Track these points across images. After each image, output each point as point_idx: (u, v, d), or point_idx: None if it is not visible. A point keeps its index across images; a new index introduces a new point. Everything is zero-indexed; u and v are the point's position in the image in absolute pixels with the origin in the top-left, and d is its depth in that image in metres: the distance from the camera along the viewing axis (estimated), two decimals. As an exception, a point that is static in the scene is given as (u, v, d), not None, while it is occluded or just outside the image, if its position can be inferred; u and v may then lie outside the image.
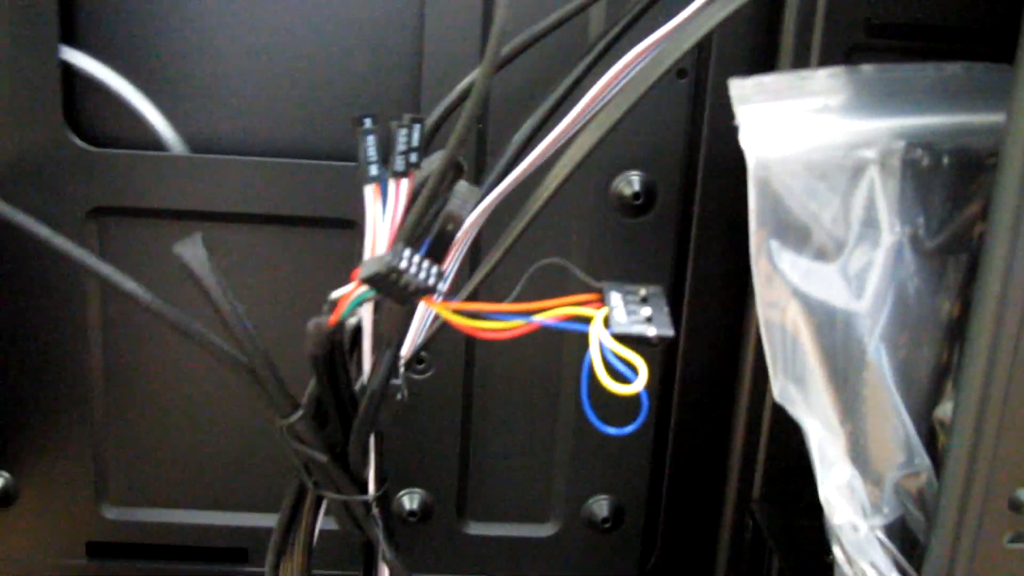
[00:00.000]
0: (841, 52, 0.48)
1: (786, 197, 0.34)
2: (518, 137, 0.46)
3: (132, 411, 0.55)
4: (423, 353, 0.54)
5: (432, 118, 0.45)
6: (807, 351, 0.36)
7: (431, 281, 0.35)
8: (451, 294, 0.39)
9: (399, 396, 0.42)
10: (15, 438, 0.54)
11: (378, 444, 0.45)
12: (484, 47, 0.39)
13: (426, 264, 0.35)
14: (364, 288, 0.36)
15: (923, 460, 0.37)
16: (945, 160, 0.35)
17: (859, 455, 0.36)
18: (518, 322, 0.35)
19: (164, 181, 0.51)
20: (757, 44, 0.50)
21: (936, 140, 0.35)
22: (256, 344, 0.42)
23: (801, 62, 0.49)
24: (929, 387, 0.37)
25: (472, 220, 0.44)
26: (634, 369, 0.33)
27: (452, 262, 0.44)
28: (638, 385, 0.32)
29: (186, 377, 0.55)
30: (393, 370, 0.41)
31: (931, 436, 0.36)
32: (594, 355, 0.33)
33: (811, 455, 0.37)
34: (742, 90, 0.34)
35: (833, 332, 0.35)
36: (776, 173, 0.34)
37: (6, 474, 0.55)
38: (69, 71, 0.50)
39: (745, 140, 0.34)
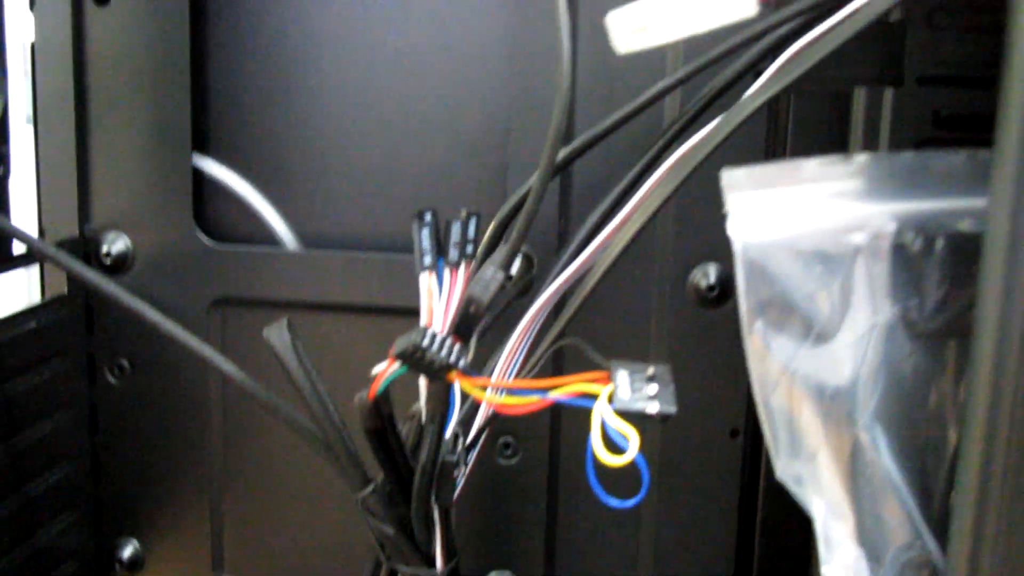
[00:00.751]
0: (910, 146, 0.51)
1: (775, 280, 0.37)
2: (583, 229, 0.51)
3: (248, 489, 0.62)
4: (510, 439, 0.59)
5: (502, 213, 0.50)
6: (806, 430, 0.38)
7: (453, 359, 0.40)
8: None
9: (456, 472, 0.47)
10: (144, 508, 0.62)
11: (444, 519, 0.49)
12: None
13: (449, 342, 0.41)
14: (397, 364, 0.41)
15: (930, 541, 0.38)
16: (939, 244, 0.37)
17: (864, 535, 0.38)
18: (534, 398, 0.40)
19: (278, 274, 0.59)
20: (830, 141, 0.53)
21: (929, 224, 0.37)
22: (332, 420, 0.48)
23: (870, 155, 0.52)
24: (936, 468, 0.39)
25: (538, 306, 0.49)
26: (628, 440, 0.36)
27: (523, 342, 0.49)
28: (630, 455, 0.36)
29: (296, 460, 0.62)
30: (444, 446, 0.46)
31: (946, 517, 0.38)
32: (594, 428, 0.37)
33: (816, 535, 0.39)
34: (732, 179, 0.38)
35: (829, 412, 0.38)
36: (763, 257, 0.37)
37: (135, 542, 0.63)
38: (199, 175, 0.59)
39: (732, 226, 0.38)
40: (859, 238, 0.36)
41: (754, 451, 0.57)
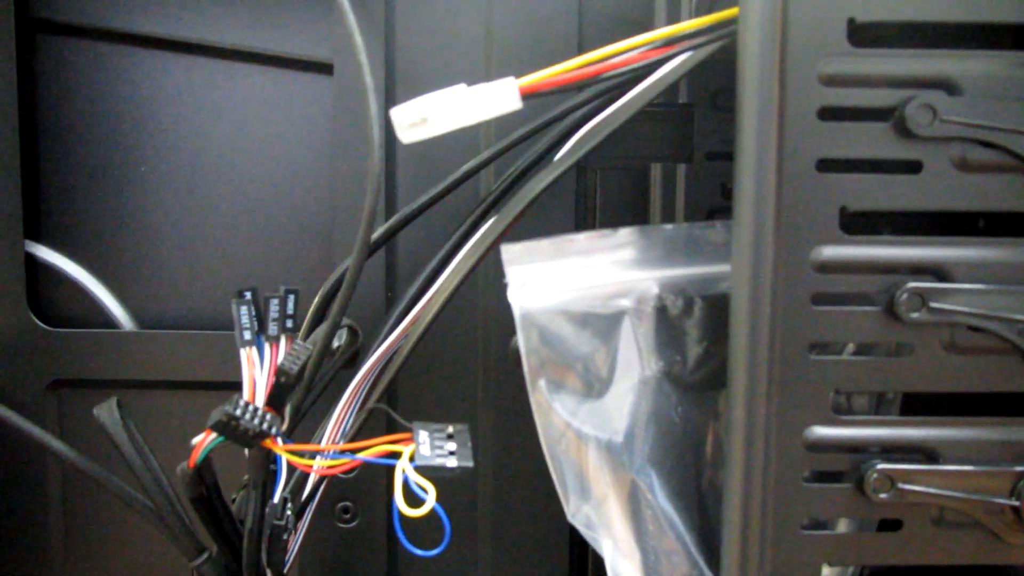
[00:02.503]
0: (703, 215, 0.57)
1: (552, 342, 0.43)
2: (403, 300, 0.56)
3: (90, 567, 0.65)
4: (348, 503, 0.63)
5: (324, 288, 0.55)
6: (591, 477, 0.43)
7: (266, 427, 0.44)
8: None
9: (286, 536, 0.51)
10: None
11: (279, 584, 0.52)
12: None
13: (262, 412, 0.45)
14: (214, 435, 0.45)
15: (707, 572, 0.44)
16: (697, 305, 0.43)
17: (649, 570, 0.44)
18: (345, 459, 0.44)
19: (113, 354, 0.62)
20: (634, 212, 0.60)
21: (688, 287, 0.43)
22: (165, 493, 0.51)
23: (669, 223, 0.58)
24: (716, 507, 0.45)
25: (362, 374, 0.54)
26: (427, 492, 0.41)
27: (349, 409, 0.53)
28: (427, 506, 0.41)
29: (139, 537, 0.64)
30: (272, 511, 0.50)
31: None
32: (396, 484, 0.42)
33: (607, 572, 0.44)
34: (511, 253, 0.43)
35: (609, 459, 0.43)
36: (540, 322, 0.42)
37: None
38: (32, 261, 0.62)
39: (512, 295, 0.43)
40: (625, 302, 0.42)
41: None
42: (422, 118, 0.40)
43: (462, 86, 0.41)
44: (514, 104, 0.41)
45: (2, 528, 0.62)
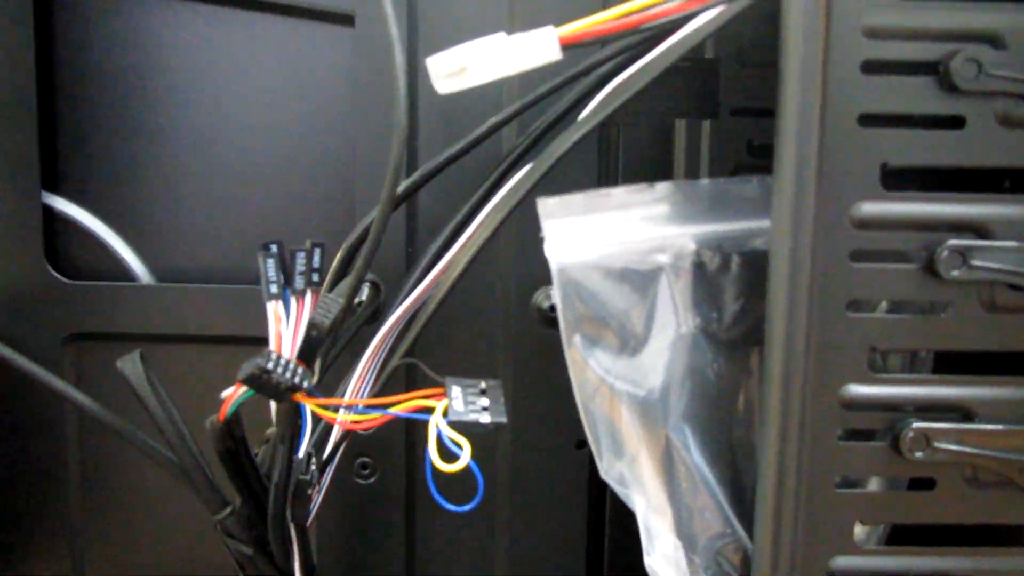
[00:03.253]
0: (727, 173, 0.57)
1: (588, 298, 0.42)
2: (426, 255, 0.55)
3: (107, 523, 0.64)
4: (367, 459, 0.63)
5: (348, 243, 0.54)
6: (625, 433, 0.43)
7: (297, 380, 0.44)
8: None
9: (310, 491, 0.51)
10: (2, 543, 0.64)
11: (300, 537, 0.52)
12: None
13: (293, 365, 0.44)
14: (244, 388, 0.45)
15: (739, 529, 0.44)
16: (734, 261, 0.43)
17: (682, 527, 0.44)
18: (375, 415, 0.44)
19: (132, 308, 0.62)
20: (656, 168, 0.59)
21: (725, 244, 0.43)
22: (189, 447, 0.51)
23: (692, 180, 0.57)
24: (747, 464, 0.45)
25: (386, 330, 0.54)
26: (461, 448, 0.41)
27: (373, 364, 0.53)
28: (463, 462, 0.41)
29: (155, 491, 0.64)
30: (297, 465, 0.50)
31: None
32: (430, 439, 0.42)
33: (640, 528, 0.44)
34: (547, 207, 0.43)
35: (643, 416, 0.43)
36: (577, 277, 0.42)
37: (-6, 578, 0.65)
38: (49, 213, 0.61)
39: (548, 250, 0.42)
40: (663, 258, 0.41)
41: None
42: (461, 67, 0.39)
43: (501, 35, 0.41)
44: (554, 54, 0.40)
45: (20, 482, 0.62)
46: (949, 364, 0.42)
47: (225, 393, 0.45)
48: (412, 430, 0.62)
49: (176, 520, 0.63)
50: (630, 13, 0.40)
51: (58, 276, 0.60)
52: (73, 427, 0.62)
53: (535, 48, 0.40)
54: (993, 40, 0.38)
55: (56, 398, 0.60)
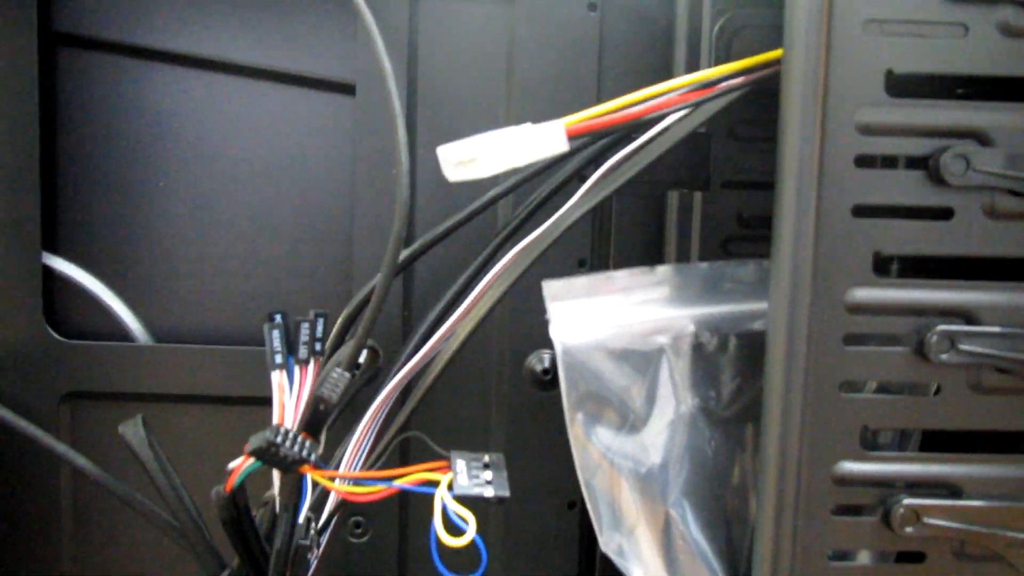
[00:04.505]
0: (718, 242, 0.59)
1: (591, 378, 0.44)
2: (425, 322, 0.57)
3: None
4: (360, 518, 0.64)
5: (348, 310, 0.56)
6: (625, 508, 0.45)
7: (304, 453, 0.45)
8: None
9: (309, 555, 0.52)
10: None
11: (300, 601, 0.53)
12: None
13: (300, 439, 0.46)
14: (252, 460, 0.46)
15: None
16: (731, 343, 0.45)
17: (679, 600, 0.45)
18: (380, 487, 0.45)
19: (128, 367, 0.63)
20: (648, 237, 0.61)
21: (723, 325, 0.45)
22: (188, 511, 0.52)
23: (683, 252, 0.59)
24: (741, 535, 0.46)
25: (383, 397, 0.55)
26: (467, 523, 0.42)
27: (370, 431, 0.54)
28: (469, 536, 0.42)
29: (146, 555, 0.65)
30: (297, 531, 0.51)
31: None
32: (436, 513, 0.43)
33: None
34: (552, 290, 0.44)
35: (643, 491, 0.44)
36: (581, 358, 0.44)
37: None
38: (48, 273, 0.62)
39: (553, 331, 0.44)
40: (663, 339, 0.43)
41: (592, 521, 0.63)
42: (471, 158, 0.41)
43: (511, 128, 0.43)
44: (561, 146, 0.42)
45: (14, 540, 0.63)
46: (938, 442, 0.43)
47: (232, 464, 0.46)
48: (406, 491, 0.63)
49: (168, 577, 0.64)
50: (633, 104, 0.42)
51: (56, 336, 0.61)
52: (68, 484, 0.63)
53: (543, 140, 0.42)
54: (980, 137, 0.40)
55: (51, 458, 0.60)
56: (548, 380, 0.62)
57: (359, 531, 0.63)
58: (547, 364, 0.61)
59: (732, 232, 0.57)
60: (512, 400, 0.61)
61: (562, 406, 0.59)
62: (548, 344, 0.60)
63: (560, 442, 0.60)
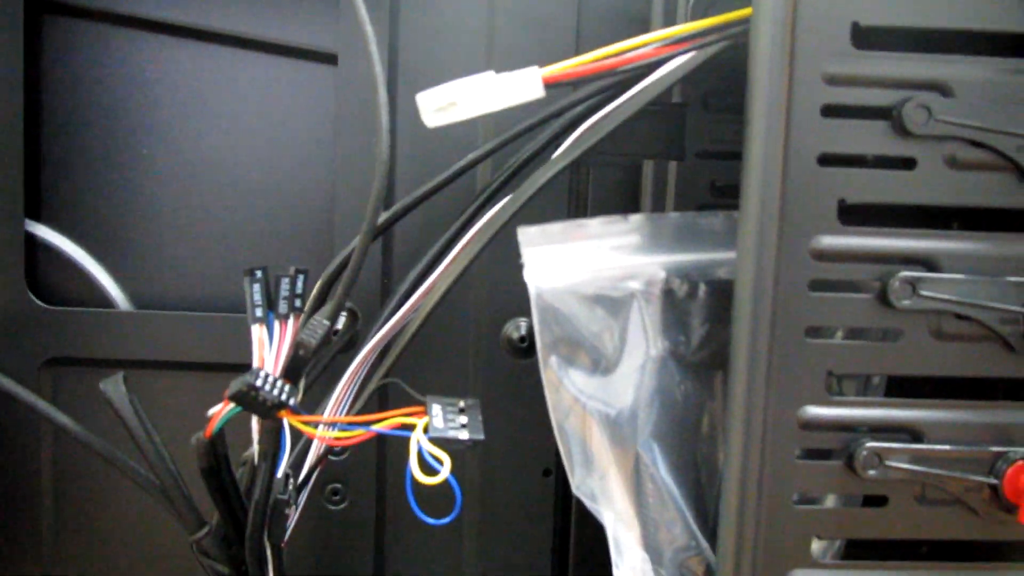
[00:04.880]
0: (692, 210, 0.60)
1: (564, 321, 0.45)
2: (403, 285, 0.58)
3: (80, 547, 0.66)
4: (338, 485, 0.65)
5: (328, 271, 0.57)
6: (596, 450, 0.46)
7: (283, 397, 0.46)
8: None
9: (288, 511, 0.53)
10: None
11: (276, 556, 0.54)
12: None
13: (280, 383, 0.47)
14: (232, 405, 0.47)
15: (703, 543, 0.46)
16: (701, 289, 0.46)
17: (649, 540, 0.46)
18: (358, 431, 0.46)
19: (110, 334, 0.64)
20: (625, 207, 0.62)
21: (693, 273, 0.46)
22: (168, 468, 0.53)
23: (658, 217, 0.61)
24: (710, 481, 0.47)
25: (364, 354, 0.56)
26: (441, 463, 0.43)
27: (350, 387, 0.55)
28: (443, 475, 0.43)
29: (127, 515, 0.66)
30: (276, 485, 0.52)
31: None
32: (412, 454, 0.44)
33: (608, 542, 0.47)
34: (527, 235, 0.46)
35: (614, 434, 0.46)
36: (554, 301, 0.45)
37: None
38: (31, 240, 0.63)
39: (528, 275, 0.45)
40: (634, 284, 0.45)
41: (566, 488, 0.64)
42: (449, 102, 0.42)
43: (490, 73, 0.44)
44: (537, 92, 0.43)
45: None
46: (901, 388, 0.45)
47: (212, 410, 0.47)
48: (383, 457, 0.64)
49: (149, 539, 0.65)
50: (608, 56, 0.43)
51: (38, 302, 0.62)
52: (48, 448, 0.63)
53: (520, 86, 0.43)
54: (942, 89, 0.42)
55: (31, 419, 0.61)
56: (525, 348, 0.63)
57: (336, 498, 0.64)
58: (523, 332, 0.62)
59: (706, 201, 0.58)
60: (489, 368, 0.63)
61: (538, 374, 0.61)
62: (525, 312, 0.61)
63: (536, 409, 0.61)
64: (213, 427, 0.46)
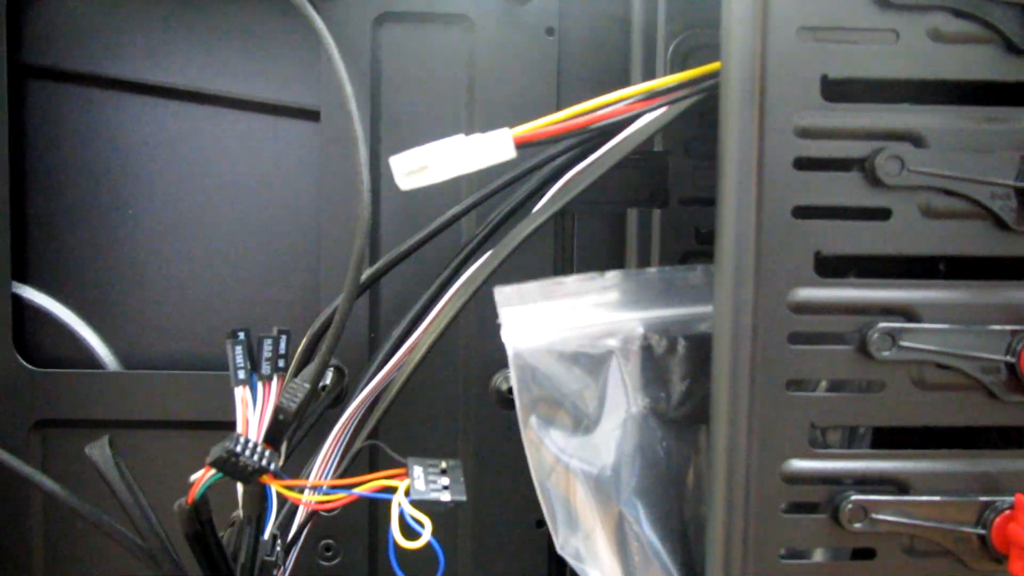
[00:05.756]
0: (677, 258, 0.60)
1: (543, 380, 0.45)
2: (388, 341, 0.58)
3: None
4: (330, 541, 0.65)
5: (312, 330, 0.57)
6: (580, 509, 0.46)
7: (264, 463, 0.46)
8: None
9: (275, 572, 0.53)
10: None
11: (266, 620, 0.54)
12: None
13: (260, 448, 0.47)
14: (213, 471, 0.47)
15: None
16: (680, 345, 0.46)
17: (635, 600, 0.46)
18: (340, 495, 0.46)
19: (98, 394, 0.64)
20: (610, 255, 0.63)
21: (672, 328, 0.46)
22: (155, 531, 0.53)
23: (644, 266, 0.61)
24: (698, 537, 0.47)
25: (349, 413, 0.56)
26: (423, 526, 0.43)
27: (336, 447, 0.56)
28: (424, 539, 0.43)
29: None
30: (263, 547, 0.52)
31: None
32: (393, 517, 0.44)
33: None
34: (503, 295, 0.46)
35: (597, 492, 0.46)
36: (532, 360, 0.45)
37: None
38: (18, 302, 0.64)
39: (505, 335, 0.45)
40: (612, 342, 0.45)
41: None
42: (422, 166, 0.42)
43: (460, 136, 0.44)
44: (509, 153, 0.44)
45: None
46: (888, 438, 0.45)
47: (194, 476, 0.47)
48: (375, 513, 0.64)
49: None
50: (578, 115, 0.44)
51: (26, 364, 0.62)
52: (39, 512, 0.63)
53: (491, 148, 0.44)
54: (914, 139, 0.42)
55: (22, 483, 0.61)
56: (513, 399, 0.62)
57: (329, 554, 0.64)
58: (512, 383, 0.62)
59: (691, 247, 0.58)
60: (479, 420, 0.62)
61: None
62: (513, 363, 0.61)
63: (526, 461, 0.61)
64: (195, 493, 0.46)
